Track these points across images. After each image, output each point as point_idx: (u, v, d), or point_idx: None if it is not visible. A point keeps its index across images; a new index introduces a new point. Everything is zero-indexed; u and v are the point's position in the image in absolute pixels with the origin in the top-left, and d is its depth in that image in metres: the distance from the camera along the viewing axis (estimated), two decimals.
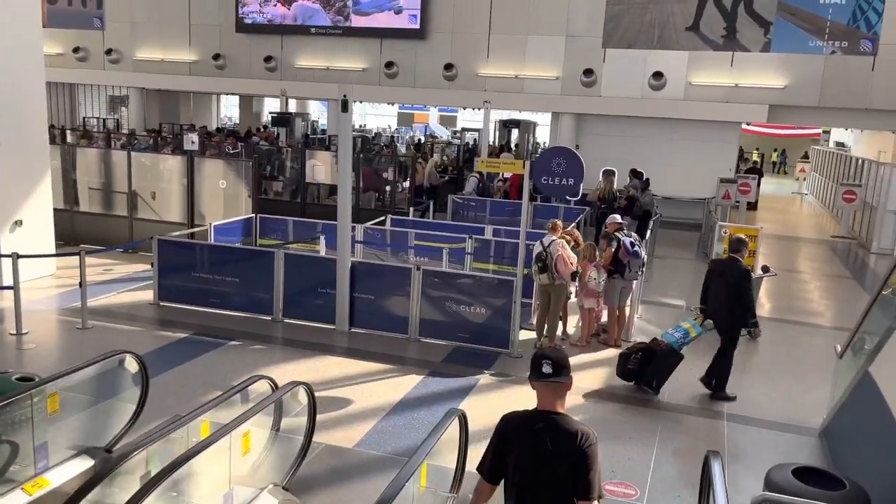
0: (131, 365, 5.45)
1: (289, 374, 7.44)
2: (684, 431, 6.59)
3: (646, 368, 7.26)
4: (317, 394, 6.97)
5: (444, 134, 35.18)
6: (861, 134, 27.71)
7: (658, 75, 18.34)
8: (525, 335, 9.01)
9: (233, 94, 24.00)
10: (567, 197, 15.83)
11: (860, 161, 19.41)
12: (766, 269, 9.40)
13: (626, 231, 8.82)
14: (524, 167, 8.05)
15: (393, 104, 29.19)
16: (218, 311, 9.18)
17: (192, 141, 11.56)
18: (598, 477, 3.02)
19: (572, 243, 8.78)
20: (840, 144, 29.69)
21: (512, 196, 15.86)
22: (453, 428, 4.91)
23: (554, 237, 8.46)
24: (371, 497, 3.53)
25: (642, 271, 9.08)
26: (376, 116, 45.02)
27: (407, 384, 7.33)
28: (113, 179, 13.03)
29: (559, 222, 8.70)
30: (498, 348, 8.34)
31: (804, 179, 30.24)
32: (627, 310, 9.11)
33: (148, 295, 9.64)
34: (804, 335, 10.21)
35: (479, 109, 19.59)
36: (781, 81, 17.66)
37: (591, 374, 7.97)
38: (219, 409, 4.58)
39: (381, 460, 5.72)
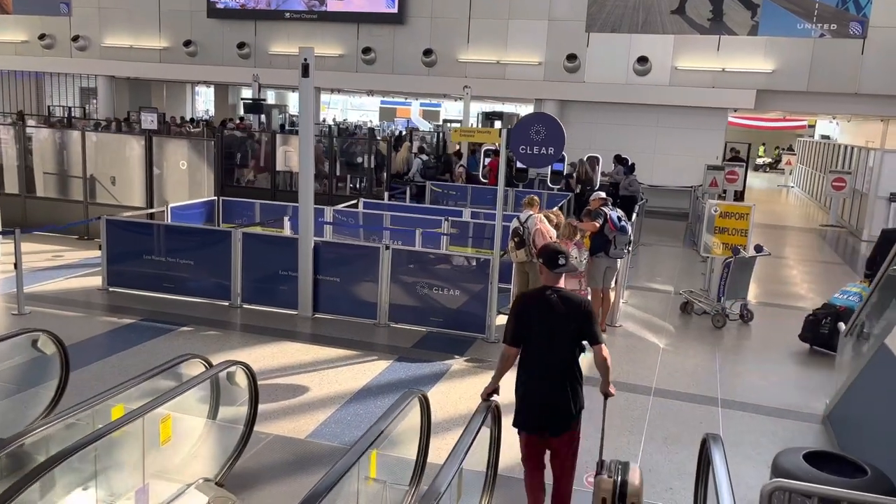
0: (47, 346, 4.75)
1: (242, 360, 6.77)
2: (675, 418, 5.99)
3: (835, 333, 7.04)
4: (272, 381, 6.37)
5: (426, 128, 34.55)
6: (847, 125, 27.41)
7: (643, 60, 17.81)
8: (502, 320, 8.39)
9: (205, 81, 23.24)
10: (550, 184, 15.34)
11: (849, 149, 18.99)
12: (759, 249, 8.85)
13: (611, 206, 8.21)
14: (500, 135, 7.42)
15: (371, 94, 28.46)
16: (172, 297, 8.47)
17: (150, 120, 10.84)
18: (599, 328, 4.15)
19: (554, 221, 8.16)
20: (825, 138, 29.37)
21: (491, 183, 15.29)
22: (417, 414, 4.29)
23: (531, 212, 7.85)
24: None
25: (628, 249, 8.48)
26: (358, 112, 44.27)
27: (372, 370, 6.68)
28: (70, 164, 12.29)
29: (536, 198, 8.10)
30: (473, 333, 7.72)
31: (790, 172, 29.90)
32: (612, 293, 8.51)
33: (97, 280, 8.92)
34: (797, 319, 9.62)
35: (460, 100, 18.97)
36: (769, 66, 17.19)
37: None
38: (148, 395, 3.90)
39: (335, 452, 5.06)
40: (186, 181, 11.97)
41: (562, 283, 8.19)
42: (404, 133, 26.98)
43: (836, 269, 13.59)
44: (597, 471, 4.05)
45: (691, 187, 17.42)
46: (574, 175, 15.90)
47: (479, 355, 7.26)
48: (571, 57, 18.25)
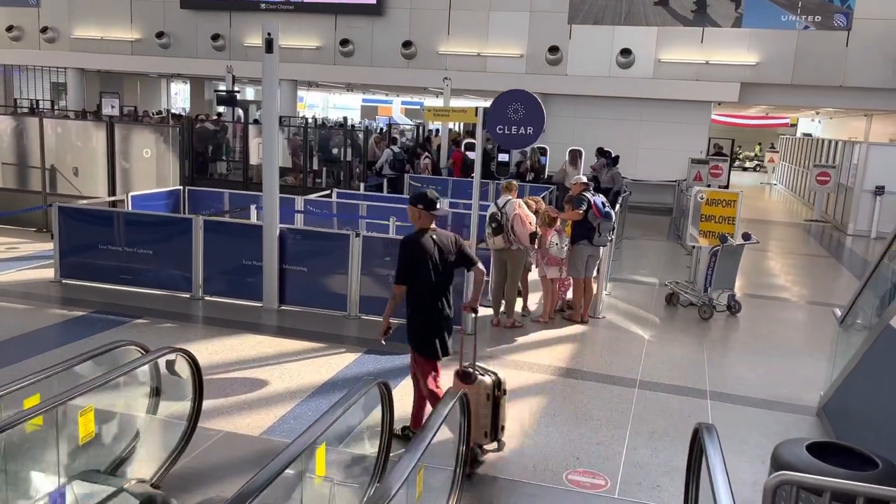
0: None
1: (198, 353, 6.30)
2: (662, 412, 5.60)
3: None
4: (229, 374, 5.90)
5: (408, 125, 34.13)
6: (830, 122, 27.36)
7: (626, 52, 17.51)
8: (485, 312, 7.98)
9: (178, 75, 22.60)
10: (496, 174, 15.07)
11: (833, 143, 18.80)
12: (747, 237, 8.51)
13: (593, 191, 7.82)
14: (476, 114, 7.01)
15: (351, 89, 27.95)
16: (129, 289, 7.97)
17: (111, 106, 10.31)
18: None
19: (534, 207, 7.76)
20: (808, 136, 29.28)
21: (455, 174, 15.09)
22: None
23: (510, 197, 7.44)
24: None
25: (612, 237, 8.10)
26: (340, 111, 43.72)
27: (338, 363, 6.23)
28: (29, 154, 11.73)
29: (514, 182, 7.69)
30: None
31: (773, 170, 29.80)
32: (596, 284, 8.11)
33: (50, 273, 8.38)
34: (786, 311, 9.36)
35: (440, 95, 18.53)
36: (753, 58, 16.95)
37: (556, 350, 6.96)
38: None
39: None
40: (154, 172, 11.43)
41: (544, 271, 7.90)
42: (384, 129, 26.64)
43: (821, 262, 13.34)
44: (469, 376, 4.61)
45: (675, 181, 17.13)
46: (527, 163, 15.84)
47: (454, 347, 6.81)
48: (553, 49, 17.90)
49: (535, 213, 7.71)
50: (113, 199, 9.80)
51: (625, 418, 5.39)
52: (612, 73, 17.82)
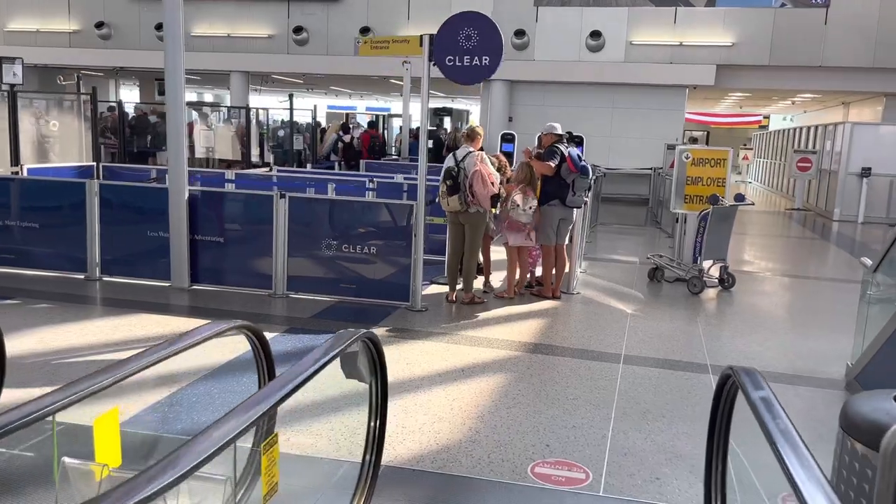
0: None
1: (66, 335, 4.99)
2: (655, 388, 4.42)
3: None
4: (98, 357, 4.61)
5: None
6: (803, 116, 26.78)
7: (596, 35, 16.55)
8: (436, 289, 6.78)
9: (120, 68, 21.15)
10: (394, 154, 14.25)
11: (813, 129, 18.01)
12: (740, 198, 7.45)
13: (566, 143, 6.64)
14: (421, 44, 5.83)
15: (310, 87, 26.65)
16: (10, 271, 6.61)
17: (13, 73, 8.96)
18: None
19: (496, 164, 6.58)
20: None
21: (364, 156, 14.24)
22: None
23: (471, 148, 6.25)
24: None
25: (587, 197, 6.94)
26: (306, 115, 42.47)
27: (245, 344, 4.93)
28: None
29: (479, 128, 6.48)
30: (395, 301, 6.07)
31: (747, 168, 29.13)
32: (569, 254, 6.93)
33: None
34: (784, 285, 8.29)
35: (398, 95, 17.44)
36: (729, 39, 16.08)
37: (522, 325, 5.75)
38: None
39: (154, 442, 3.36)
40: (69, 147, 10.07)
41: (506, 237, 6.72)
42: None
43: (811, 243, 12.40)
44: None
45: (651, 169, 16.14)
46: (444, 142, 15.14)
47: (400, 324, 5.59)
48: (520, 33, 16.89)
49: (498, 170, 6.53)
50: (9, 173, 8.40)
51: (608, 397, 4.19)
52: (581, 58, 16.84)
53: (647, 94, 16.84)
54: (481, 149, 6.36)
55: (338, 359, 2.53)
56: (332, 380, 4.02)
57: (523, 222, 6.39)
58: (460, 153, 6.23)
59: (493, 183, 6.18)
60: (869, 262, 4.60)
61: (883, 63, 15.18)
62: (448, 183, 6.14)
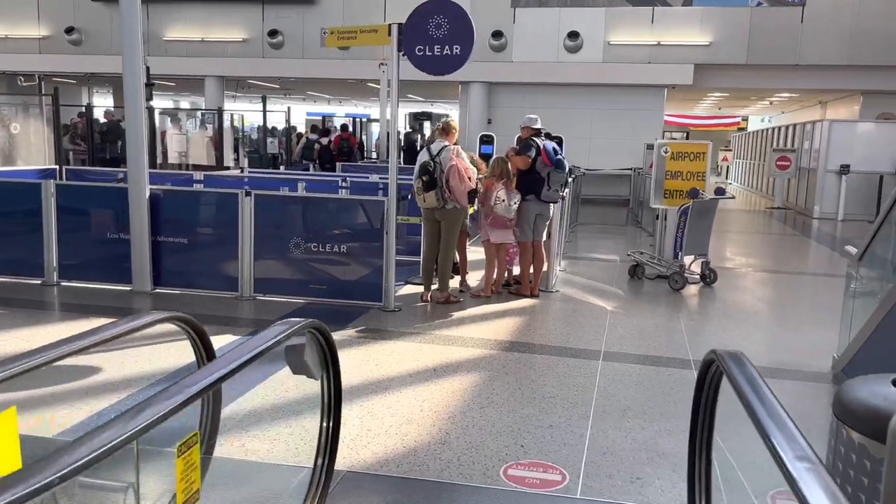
0: None
1: (14, 341, 4.71)
2: (636, 385, 4.22)
3: None
4: (54, 364, 4.35)
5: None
6: (781, 117, 26.91)
7: (574, 35, 16.46)
8: (411, 290, 6.56)
9: (92, 73, 20.75)
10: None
11: (791, 128, 18.04)
12: (720, 191, 7.30)
13: (543, 136, 6.45)
14: (389, 33, 5.63)
15: (286, 93, 26.38)
16: None
17: None
18: None
19: (470, 160, 6.37)
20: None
21: (336, 159, 14.16)
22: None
23: (446, 142, 6.05)
24: None
25: (564, 192, 6.76)
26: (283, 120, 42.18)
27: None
28: None
29: (454, 122, 6.29)
30: (367, 302, 5.83)
31: (727, 169, 29.23)
32: (547, 252, 6.73)
33: None
34: (766, 281, 8.17)
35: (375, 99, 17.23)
36: (706, 38, 16.06)
37: (498, 324, 5.55)
38: None
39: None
40: (37, 152, 9.75)
41: (488, 235, 6.51)
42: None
43: (792, 240, 12.34)
44: None
45: (631, 169, 16.05)
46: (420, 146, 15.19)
47: (372, 325, 5.36)
48: (497, 34, 16.75)
49: (473, 163, 6.33)
50: None
51: (587, 395, 3.98)
52: (559, 59, 16.73)
53: (626, 94, 16.77)
54: (456, 143, 6.16)
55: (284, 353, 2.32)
56: (292, 381, 3.79)
57: (509, 218, 6.18)
58: (435, 147, 6.02)
59: (469, 178, 5.98)
60: (854, 250, 4.45)
61: (859, 60, 15.21)
62: (424, 178, 5.91)
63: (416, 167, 6.08)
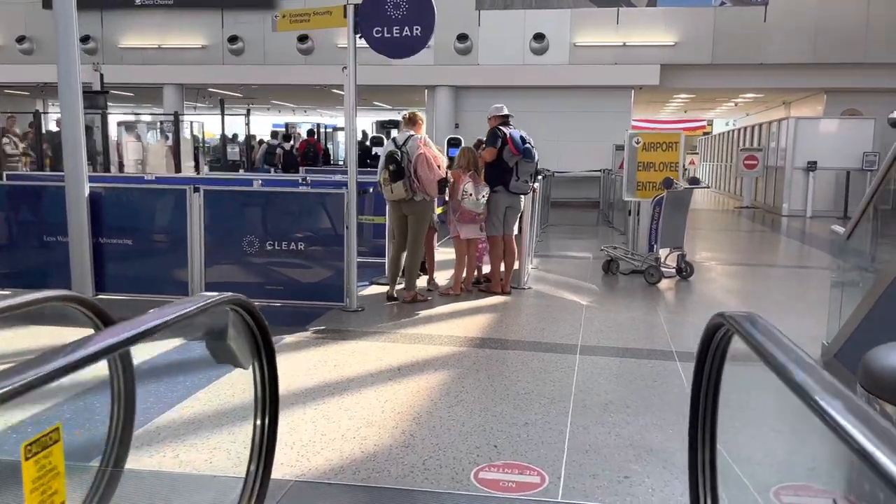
0: None
1: None
2: (617, 378, 3.91)
3: None
4: None
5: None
6: (746, 119, 27.16)
7: (540, 37, 16.31)
8: (376, 290, 6.19)
9: (45, 83, 20.03)
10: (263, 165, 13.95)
11: (757, 127, 18.11)
12: (694, 181, 7.10)
13: (511, 125, 6.16)
14: (345, 14, 5.30)
15: (250, 103, 25.84)
16: None
17: None
18: None
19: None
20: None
21: (301, 164, 13.90)
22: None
23: (412, 132, 5.72)
24: None
25: (534, 182, 6.46)
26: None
27: (143, 353, 4.26)
28: None
29: (419, 113, 5.97)
30: (328, 303, 5.44)
31: (694, 172, 29.38)
32: (520, 254, 6.41)
33: None
34: (742, 273, 7.97)
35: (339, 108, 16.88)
36: (671, 38, 16.04)
37: (468, 321, 5.21)
38: None
39: None
40: None
41: (458, 230, 6.17)
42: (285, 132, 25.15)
43: (764, 235, 12.23)
44: None
45: (601, 171, 15.88)
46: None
47: (331, 325, 4.98)
48: (462, 37, 16.53)
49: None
50: None
51: (565, 389, 3.65)
52: (526, 61, 16.57)
53: (594, 96, 16.65)
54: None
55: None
56: (236, 386, 3.40)
57: (478, 212, 5.85)
58: (401, 137, 5.70)
59: (439, 166, 5.65)
60: (841, 229, 4.22)
61: (822, 59, 15.30)
62: (391, 168, 5.55)
63: (382, 157, 5.74)
